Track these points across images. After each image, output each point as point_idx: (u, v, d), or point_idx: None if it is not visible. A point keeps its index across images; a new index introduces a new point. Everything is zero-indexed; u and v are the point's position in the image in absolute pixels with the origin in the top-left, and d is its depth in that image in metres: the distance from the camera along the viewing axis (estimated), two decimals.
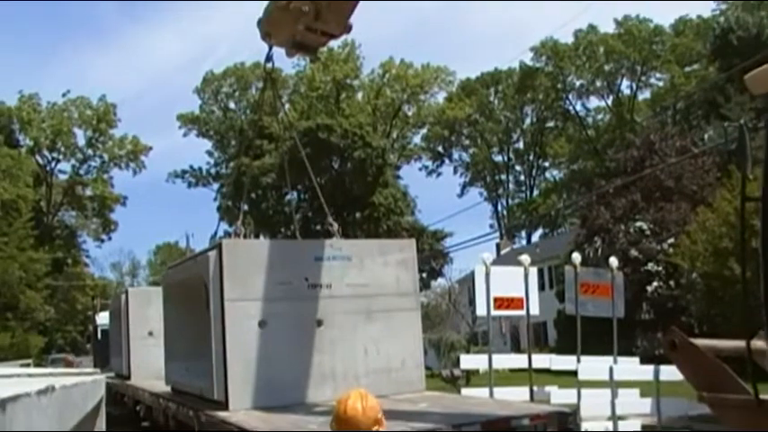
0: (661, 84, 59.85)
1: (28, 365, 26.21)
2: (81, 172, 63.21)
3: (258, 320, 8.40)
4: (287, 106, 54.87)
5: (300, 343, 8.64)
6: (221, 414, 7.89)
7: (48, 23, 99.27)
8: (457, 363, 19.76)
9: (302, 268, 8.80)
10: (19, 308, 44.74)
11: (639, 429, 11.60)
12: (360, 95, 63.80)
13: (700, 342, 5.28)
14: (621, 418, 11.56)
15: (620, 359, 12.63)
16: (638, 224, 29.32)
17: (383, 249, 9.59)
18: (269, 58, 9.28)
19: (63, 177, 63.24)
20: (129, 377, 15.52)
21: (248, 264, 8.57)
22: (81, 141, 62.23)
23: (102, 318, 25.88)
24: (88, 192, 63.95)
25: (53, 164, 62.24)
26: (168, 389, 11.29)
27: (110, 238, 66.42)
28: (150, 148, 64.46)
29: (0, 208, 45.94)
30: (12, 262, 43.20)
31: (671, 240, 26.78)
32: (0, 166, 47.20)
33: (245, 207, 44.17)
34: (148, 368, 14.37)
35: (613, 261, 13.34)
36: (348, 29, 8.41)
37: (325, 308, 8.83)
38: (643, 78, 60.09)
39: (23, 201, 48.53)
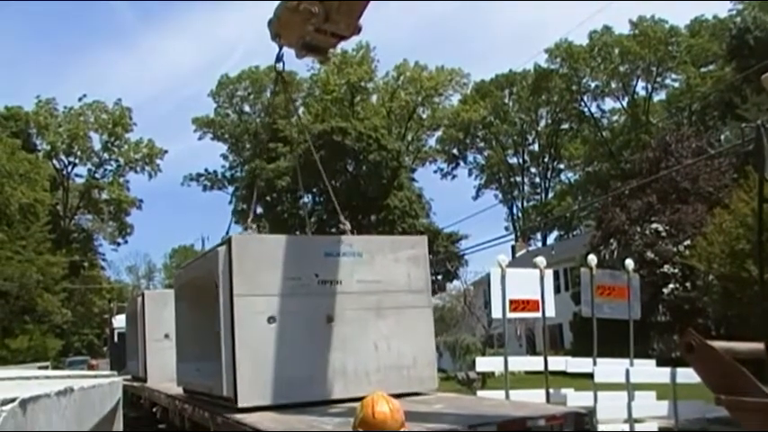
0: (677, 85, 59.60)
1: (46, 368, 26.35)
2: (97, 176, 63.79)
3: (268, 316, 8.38)
4: (301, 109, 55.00)
5: (310, 339, 8.59)
6: (237, 416, 7.90)
7: (63, 29, 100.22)
8: (472, 365, 19.69)
9: (312, 264, 8.73)
10: (36, 311, 45.06)
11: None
12: (374, 98, 63.84)
13: (717, 344, 5.24)
14: (638, 420, 11.51)
15: (637, 361, 12.55)
16: (654, 226, 29.15)
17: (394, 246, 9.51)
18: (279, 58, 9.28)
19: (79, 181, 63.89)
20: (145, 379, 15.51)
21: (258, 259, 8.52)
22: (97, 145, 62.92)
23: (119, 321, 25.98)
24: (104, 195, 64.44)
25: (70, 168, 62.86)
26: (182, 390, 11.30)
27: (126, 242, 67.10)
28: (166, 152, 65.06)
29: (18, 212, 46.32)
30: (29, 265, 43.50)
31: (687, 242, 26.60)
32: (18, 171, 47.55)
33: (259, 209, 44.50)
34: (164, 370, 14.36)
35: (629, 263, 13.26)
36: (358, 30, 8.38)
37: (336, 304, 8.78)
38: (658, 79, 59.83)
39: (41, 204, 48.90)
